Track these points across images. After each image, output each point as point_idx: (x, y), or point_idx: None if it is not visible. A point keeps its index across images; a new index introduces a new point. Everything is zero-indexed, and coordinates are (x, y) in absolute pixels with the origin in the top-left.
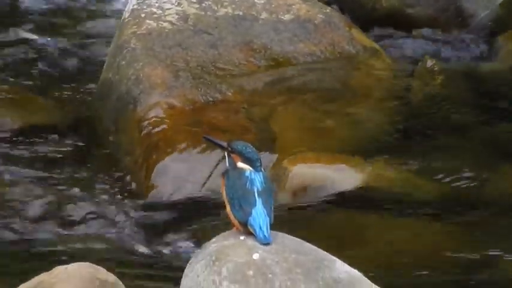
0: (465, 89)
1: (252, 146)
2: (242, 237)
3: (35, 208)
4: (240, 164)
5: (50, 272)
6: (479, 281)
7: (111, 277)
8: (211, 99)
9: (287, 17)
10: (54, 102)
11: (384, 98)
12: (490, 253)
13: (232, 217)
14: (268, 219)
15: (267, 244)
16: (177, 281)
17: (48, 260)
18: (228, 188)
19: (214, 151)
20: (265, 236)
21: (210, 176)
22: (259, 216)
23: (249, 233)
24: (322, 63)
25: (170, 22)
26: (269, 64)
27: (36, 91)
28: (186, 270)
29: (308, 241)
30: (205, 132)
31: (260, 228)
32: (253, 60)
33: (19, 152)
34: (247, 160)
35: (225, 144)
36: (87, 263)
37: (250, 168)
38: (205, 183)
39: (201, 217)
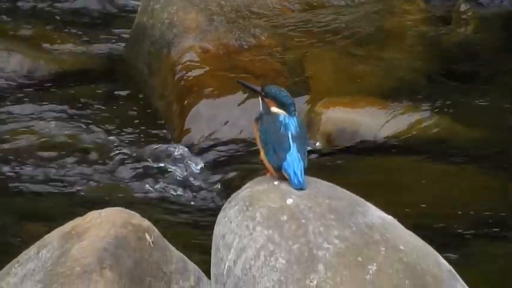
0: (500, 34)
1: (285, 90)
2: (276, 182)
3: (70, 154)
4: (274, 109)
5: (84, 216)
6: None
7: (145, 222)
8: (245, 43)
9: None
10: (88, 46)
11: (417, 43)
12: None
13: (266, 162)
14: (302, 164)
15: (301, 189)
16: (211, 226)
17: (83, 205)
18: (262, 133)
19: (248, 96)
20: (299, 181)
21: (243, 121)
22: (294, 161)
23: (283, 178)
24: (356, 7)
25: None
26: (303, 8)
27: (70, 35)
28: (219, 216)
29: (341, 186)
30: (239, 77)
31: (294, 173)
32: (287, 4)
33: (53, 97)
34: (281, 105)
35: (258, 88)
36: (121, 208)
37: (284, 113)
38: (238, 128)
39: (235, 162)
